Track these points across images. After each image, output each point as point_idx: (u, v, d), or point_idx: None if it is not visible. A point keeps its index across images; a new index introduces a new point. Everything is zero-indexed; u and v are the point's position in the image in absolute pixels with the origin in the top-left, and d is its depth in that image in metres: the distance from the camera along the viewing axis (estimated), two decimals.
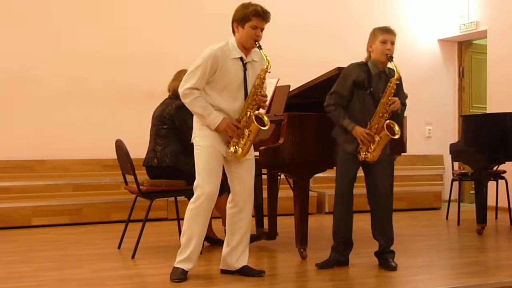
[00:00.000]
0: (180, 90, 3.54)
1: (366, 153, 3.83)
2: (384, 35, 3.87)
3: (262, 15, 3.55)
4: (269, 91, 4.14)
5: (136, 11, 6.78)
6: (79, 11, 6.55)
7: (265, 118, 3.59)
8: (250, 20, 3.53)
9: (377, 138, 3.81)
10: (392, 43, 3.87)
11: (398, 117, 3.96)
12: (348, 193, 3.94)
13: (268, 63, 3.56)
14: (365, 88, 3.87)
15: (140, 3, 6.81)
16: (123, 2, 6.76)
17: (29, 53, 6.34)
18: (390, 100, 3.81)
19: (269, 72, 3.60)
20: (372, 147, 3.82)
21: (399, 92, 3.92)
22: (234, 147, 3.55)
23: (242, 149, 3.55)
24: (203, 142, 3.56)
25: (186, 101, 3.53)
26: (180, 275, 3.56)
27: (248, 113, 3.56)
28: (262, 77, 3.58)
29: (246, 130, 3.54)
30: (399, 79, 3.88)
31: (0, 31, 6.26)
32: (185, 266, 3.59)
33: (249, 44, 3.57)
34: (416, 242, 5.04)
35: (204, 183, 3.53)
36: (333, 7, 7.55)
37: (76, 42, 6.50)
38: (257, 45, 3.56)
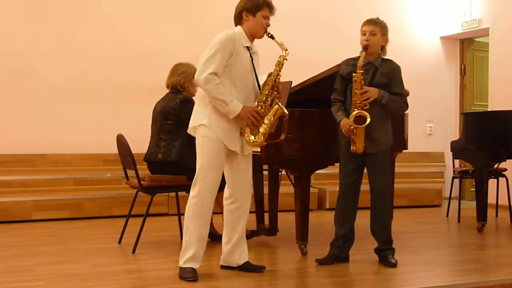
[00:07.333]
0: (201, 77, 3.40)
1: (353, 145, 3.84)
2: (362, 28, 3.92)
3: (272, 6, 3.61)
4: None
5: (138, 7, 6.77)
6: (81, 7, 6.55)
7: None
8: (262, 9, 3.56)
9: (354, 130, 3.79)
10: (371, 34, 3.85)
11: (387, 108, 3.88)
12: (349, 186, 3.95)
13: (286, 50, 3.58)
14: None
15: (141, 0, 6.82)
16: None
17: (31, 49, 6.35)
18: (361, 91, 3.76)
19: (286, 59, 3.59)
20: (354, 140, 3.82)
21: (392, 82, 3.89)
22: (252, 136, 3.50)
23: (262, 137, 3.50)
24: (211, 134, 3.48)
25: (208, 87, 3.40)
26: (191, 273, 3.47)
27: (268, 101, 3.54)
28: (282, 64, 3.58)
29: (266, 118, 3.52)
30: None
31: (3, 28, 6.26)
32: (194, 265, 3.52)
33: (260, 33, 3.59)
34: (416, 239, 5.04)
35: (205, 177, 3.48)
36: (335, 3, 7.54)
37: (78, 38, 6.50)
38: (269, 35, 3.58)
